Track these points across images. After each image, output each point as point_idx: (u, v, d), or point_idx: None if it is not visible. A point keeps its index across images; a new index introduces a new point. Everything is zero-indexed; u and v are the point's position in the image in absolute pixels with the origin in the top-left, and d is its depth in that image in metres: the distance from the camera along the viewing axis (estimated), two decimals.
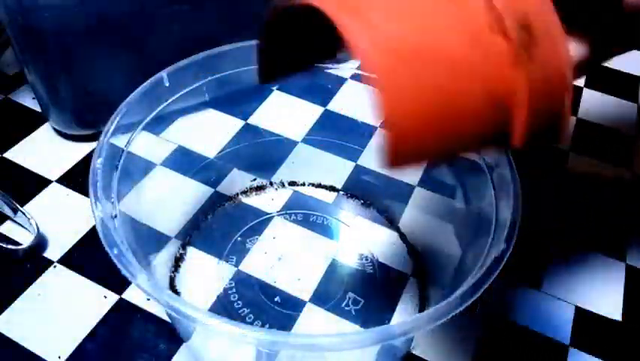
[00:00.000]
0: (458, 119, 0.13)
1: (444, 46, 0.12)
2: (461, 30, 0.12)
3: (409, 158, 0.14)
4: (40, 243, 0.32)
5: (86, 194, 0.35)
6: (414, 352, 0.29)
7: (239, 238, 0.33)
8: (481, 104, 0.13)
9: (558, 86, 0.13)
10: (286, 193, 0.36)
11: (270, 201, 0.35)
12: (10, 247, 0.31)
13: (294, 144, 0.37)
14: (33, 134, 0.39)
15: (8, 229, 0.33)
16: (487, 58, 0.12)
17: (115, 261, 0.20)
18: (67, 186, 0.36)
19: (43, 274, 0.31)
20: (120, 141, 0.25)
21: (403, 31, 0.12)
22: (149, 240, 0.29)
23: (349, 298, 0.31)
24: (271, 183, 0.36)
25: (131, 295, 0.30)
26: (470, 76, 0.12)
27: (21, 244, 0.31)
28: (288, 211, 0.35)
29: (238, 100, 0.36)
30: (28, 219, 0.32)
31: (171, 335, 0.29)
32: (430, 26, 0.12)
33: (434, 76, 0.12)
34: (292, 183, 0.37)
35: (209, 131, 0.35)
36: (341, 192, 0.36)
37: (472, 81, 0.12)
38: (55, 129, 0.39)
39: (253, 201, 0.36)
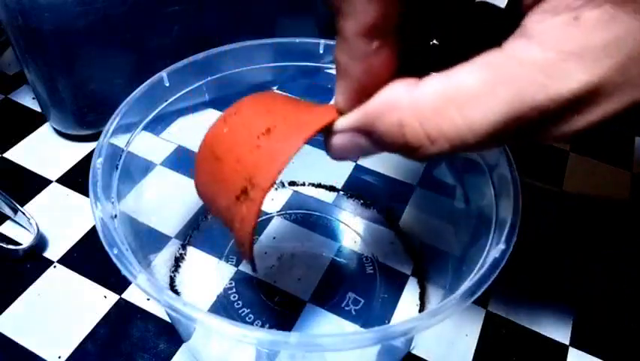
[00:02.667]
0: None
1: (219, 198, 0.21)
2: (229, 193, 0.21)
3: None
4: (40, 243, 0.32)
5: (86, 194, 0.35)
6: (414, 352, 0.29)
7: None
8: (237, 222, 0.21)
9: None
10: (286, 193, 0.36)
11: (270, 201, 0.35)
12: (10, 247, 0.31)
13: None
14: (33, 135, 0.39)
15: (8, 228, 0.33)
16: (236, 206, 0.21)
17: (115, 261, 0.20)
18: (67, 186, 0.36)
19: (43, 274, 0.31)
20: (120, 141, 0.25)
21: (204, 191, 0.22)
22: (149, 240, 0.29)
23: (349, 298, 0.31)
24: None
25: (131, 295, 0.30)
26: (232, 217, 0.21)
27: (21, 244, 0.31)
28: (288, 211, 0.35)
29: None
30: (28, 219, 0.32)
31: (171, 335, 0.29)
32: (214, 191, 0.21)
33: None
34: (292, 183, 0.37)
35: None
36: (341, 192, 0.36)
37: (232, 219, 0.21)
38: (55, 129, 0.39)
39: None
